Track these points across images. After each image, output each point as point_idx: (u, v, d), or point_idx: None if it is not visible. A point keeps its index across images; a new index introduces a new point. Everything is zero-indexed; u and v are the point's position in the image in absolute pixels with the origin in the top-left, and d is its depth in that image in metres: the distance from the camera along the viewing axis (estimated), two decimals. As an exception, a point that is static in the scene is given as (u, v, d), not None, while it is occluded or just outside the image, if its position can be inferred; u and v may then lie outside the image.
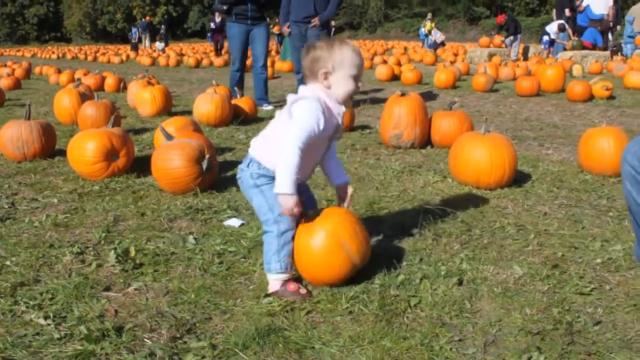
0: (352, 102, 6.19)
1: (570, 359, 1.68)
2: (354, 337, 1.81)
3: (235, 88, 7.23)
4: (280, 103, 7.83)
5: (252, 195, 2.17)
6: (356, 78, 2.11)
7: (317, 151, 2.15)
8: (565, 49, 15.77)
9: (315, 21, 6.98)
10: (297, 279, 2.17)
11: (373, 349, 1.74)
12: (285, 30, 7.26)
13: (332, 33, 6.95)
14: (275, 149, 2.04)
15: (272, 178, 2.06)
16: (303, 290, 2.10)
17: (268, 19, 7.60)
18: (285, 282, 2.11)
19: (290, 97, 2.09)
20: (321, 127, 2.03)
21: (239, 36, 7.34)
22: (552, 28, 17.12)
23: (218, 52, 21.96)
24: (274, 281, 2.12)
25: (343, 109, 2.15)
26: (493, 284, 2.19)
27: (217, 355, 1.72)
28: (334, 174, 2.33)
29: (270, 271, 2.11)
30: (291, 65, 14.98)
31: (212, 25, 21.83)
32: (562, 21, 16.67)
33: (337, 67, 2.07)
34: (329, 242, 2.06)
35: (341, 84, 2.09)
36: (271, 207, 2.10)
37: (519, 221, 2.94)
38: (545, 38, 17.41)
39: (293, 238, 2.12)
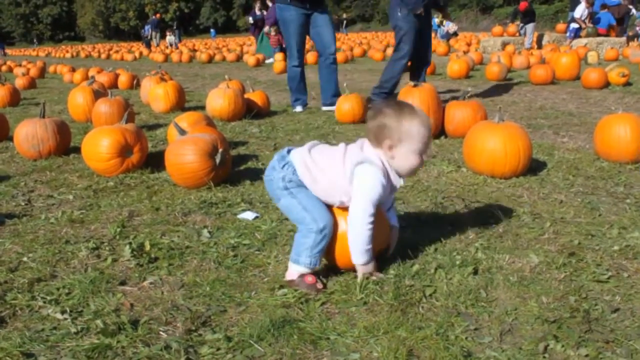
0: (366, 97, 6.13)
1: (588, 347, 1.66)
2: (369, 327, 1.80)
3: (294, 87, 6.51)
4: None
5: (280, 196, 2.15)
6: (422, 152, 2.05)
7: None
8: (580, 36, 15.53)
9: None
10: (315, 272, 2.16)
11: (388, 339, 1.73)
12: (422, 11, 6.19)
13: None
14: (314, 175, 2.09)
15: (302, 185, 2.11)
16: (320, 285, 2.08)
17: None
18: (304, 274, 2.10)
19: (357, 152, 2.07)
20: (383, 193, 2.05)
21: (296, 21, 6.22)
22: (577, 13, 16.41)
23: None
24: (294, 271, 2.10)
25: (402, 182, 2.13)
26: (509, 272, 2.18)
27: (232, 347, 1.72)
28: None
29: (298, 263, 2.07)
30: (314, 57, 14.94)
31: (252, 18, 18.99)
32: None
33: (404, 139, 2.01)
34: None
35: (405, 159, 2.04)
36: (305, 207, 2.08)
37: (534, 209, 2.91)
38: (573, 25, 16.72)
39: (329, 236, 2.08)
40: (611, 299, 1.97)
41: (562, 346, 1.67)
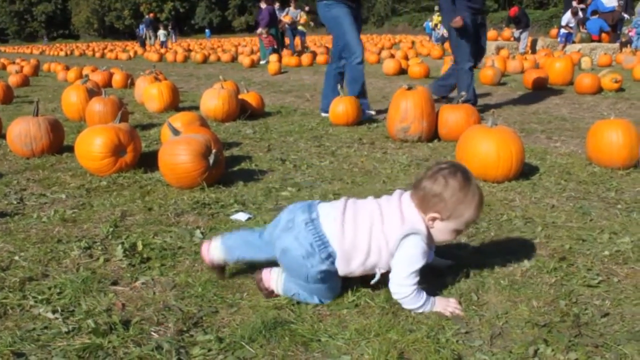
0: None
1: (578, 351, 1.67)
2: (360, 329, 1.81)
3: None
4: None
5: (305, 274, 1.91)
6: (459, 232, 1.97)
7: None
8: (574, 41, 15.64)
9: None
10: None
11: (379, 342, 1.74)
12: (460, 21, 5.97)
13: None
14: (349, 259, 1.91)
15: (333, 273, 1.94)
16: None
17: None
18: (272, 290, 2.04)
19: (398, 225, 1.88)
20: (425, 262, 1.92)
21: (349, 15, 5.84)
22: (564, 20, 16.70)
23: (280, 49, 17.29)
24: (270, 283, 2.02)
25: (433, 249, 2.06)
26: (500, 276, 2.19)
27: (224, 348, 1.72)
28: None
29: (283, 290, 2.00)
30: (298, 60, 14.98)
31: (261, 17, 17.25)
32: (577, 5, 16.19)
33: (452, 218, 1.88)
34: None
35: (442, 234, 1.94)
36: (325, 295, 1.99)
37: (526, 214, 2.93)
38: (563, 31, 16.91)
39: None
40: (601, 303, 1.98)
41: (552, 350, 1.68)
